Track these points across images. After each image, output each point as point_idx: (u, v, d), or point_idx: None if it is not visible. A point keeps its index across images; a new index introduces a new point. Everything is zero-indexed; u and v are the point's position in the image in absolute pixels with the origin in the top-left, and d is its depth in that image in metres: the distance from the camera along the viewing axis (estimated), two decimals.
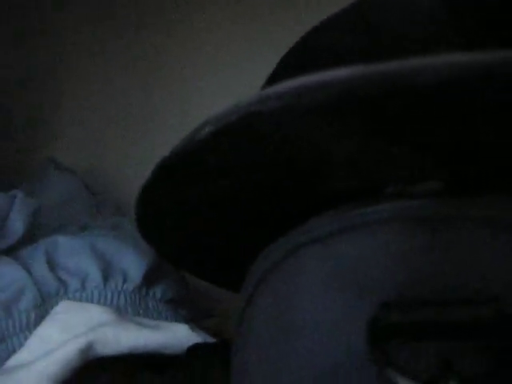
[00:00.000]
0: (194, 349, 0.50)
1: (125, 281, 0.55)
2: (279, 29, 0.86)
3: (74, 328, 0.51)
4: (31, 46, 0.99)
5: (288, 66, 0.54)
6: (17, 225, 0.55)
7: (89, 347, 0.48)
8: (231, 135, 0.34)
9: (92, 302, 0.54)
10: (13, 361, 0.49)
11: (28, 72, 0.98)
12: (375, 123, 0.31)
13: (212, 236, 0.51)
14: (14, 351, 0.50)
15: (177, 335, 0.51)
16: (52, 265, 0.54)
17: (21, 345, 0.50)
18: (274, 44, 0.83)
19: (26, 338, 0.50)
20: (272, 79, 0.58)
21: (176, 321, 0.57)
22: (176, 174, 0.44)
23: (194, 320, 0.60)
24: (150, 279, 0.57)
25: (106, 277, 0.55)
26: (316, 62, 0.50)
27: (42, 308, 0.52)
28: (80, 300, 0.54)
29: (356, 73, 0.28)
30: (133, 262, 0.56)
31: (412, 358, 0.30)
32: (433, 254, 0.31)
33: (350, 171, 0.38)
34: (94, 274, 0.54)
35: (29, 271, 0.52)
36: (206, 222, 0.49)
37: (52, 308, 0.53)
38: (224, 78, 0.89)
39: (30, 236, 0.57)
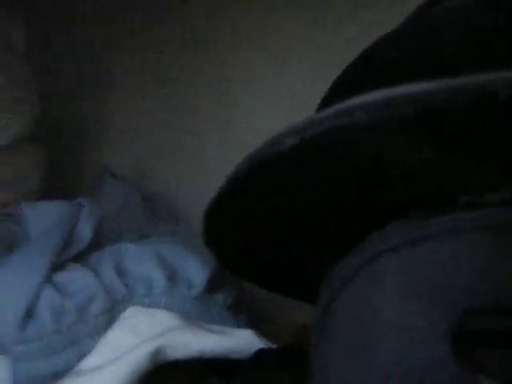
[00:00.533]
0: (260, 354, 0.51)
1: (189, 287, 0.57)
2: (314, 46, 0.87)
3: (142, 332, 0.52)
4: (83, 59, 1.01)
5: (350, 82, 0.55)
6: (85, 232, 0.57)
7: (159, 351, 0.49)
8: (313, 148, 0.35)
9: (158, 307, 0.55)
10: (84, 363, 0.51)
11: (79, 84, 1.01)
12: (455, 134, 0.31)
13: (279, 247, 0.52)
14: (85, 354, 0.51)
15: (242, 340, 0.52)
16: (119, 271, 0.55)
17: (92, 348, 0.52)
18: (309, 61, 0.85)
19: (96, 342, 0.52)
20: (332, 95, 0.58)
21: (237, 326, 0.58)
22: (249, 185, 0.45)
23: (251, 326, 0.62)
24: (212, 286, 0.58)
25: (172, 283, 0.56)
26: (381, 77, 0.50)
27: (111, 313, 0.53)
28: (146, 305, 0.55)
29: (441, 86, 0.29)
30: (196, 269, 0.57)
31: (499, 364, 0.30)
32: None
33: (421, 181, 0.39)
34: (160, 280, 0.56)
35: (98, 277, 0.53)
36: (274, 233, 0.50)
37: (120, 313, 0.54)
38: (267, 94, 0.90)
39: (96, 243, 0.58)
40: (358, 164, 0.37)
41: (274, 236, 0.50)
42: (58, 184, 0.90)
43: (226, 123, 0.92)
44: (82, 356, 0.51)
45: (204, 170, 0.92)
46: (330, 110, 0.35)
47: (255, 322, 0.65)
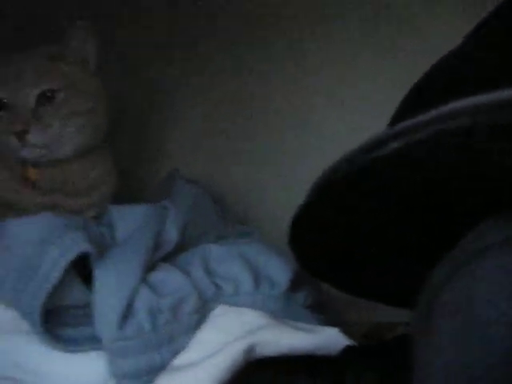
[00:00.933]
0: (347, 351, 0.53)
1: (272, 287, 0.59)
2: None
3: (232, 330, 0.54)
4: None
5: (426, 94, 0.56)
6: (172, 234, 0.60)
7: (251, 349, 0.51)
8: (416, 152, 0.37)
9: (244, 306, 0.57)
10: (179, 360, 0.53)
11: (149, 97, 1.04)
12: None
13: (363, 252, 0.54)
14: (179, 351, 0.53)
15: (328, 338, 0.54)
16: (207, 271, 0.57)
17: (185, 345, 0.54)
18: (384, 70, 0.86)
19: (189, 340, 0.54)
20: (403, 110, 0.60)
21: (318, 325, 0.60)
22: (342, 190, 0.47)
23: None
24: (293, 285, 0.60)
25: (257, 283, 0.58)
26: (460, 88, 0.52)
27: (202, 311, 0.56)
28: (233, 304, 0.57)
29: None
30: (279, 269, 0.59)
31: None
32: None
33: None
34: (246, 280, 0.58)
35: (189, 277, 0.56)
36: (359, 239, 0.52)
37: (209, 312, 0.56)
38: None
39: (181, 244, 0.60)
40: (459, 168, 0.38)
41: (359, 241, 0.52)
42: (125, 188, 0.93)
43: (301, 127, 0.93)
44: (176, 353, 0.53)
45: (272, 173, 0.94)
46: (431, 115, 0.37)
47: (329, 322, 0.67)
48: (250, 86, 0.96)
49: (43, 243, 0.57)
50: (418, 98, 0.51)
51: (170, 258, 0.59)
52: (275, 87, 0.94)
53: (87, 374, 0.55)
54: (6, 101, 0.75)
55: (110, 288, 0.52)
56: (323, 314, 0.66)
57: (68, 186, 0.82)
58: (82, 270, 0.57)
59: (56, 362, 0.55)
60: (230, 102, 0.98)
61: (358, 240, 0.53)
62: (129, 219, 0.61)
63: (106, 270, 0.53)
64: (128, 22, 0.98)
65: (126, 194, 0.90)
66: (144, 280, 0.54)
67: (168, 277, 0.55)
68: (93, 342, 0.56)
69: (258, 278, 0.58)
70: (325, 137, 0.88)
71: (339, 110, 0.89)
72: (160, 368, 0.52)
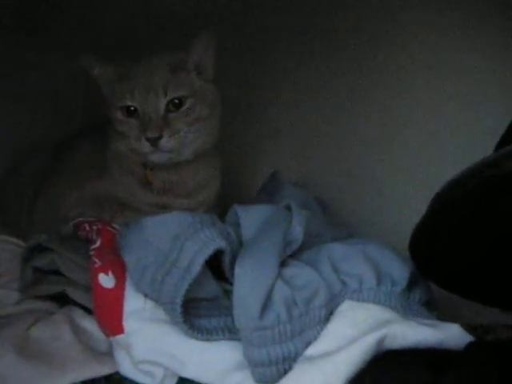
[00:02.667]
0: (472, 347, 0.56)
1: (393, 284, 0.62)
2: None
3: (360, 324, 0.58)
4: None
5: None
6: (298, 233, 0.63)
7: (381, 342, 0.55)
8: None
9: (368, 301, 0.60)
10: (310, 351, 0.57)
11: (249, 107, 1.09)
12: None
13: (482, 261, 0.57)
14: (310, 342, 0.57)
15: (452, 333, 0.56)
16: (334, 268, 0.61)
17: (314, 337, 0.57)
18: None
19: (319, 332, 0.57)
20: None
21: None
22: (468, 200, 0.50)
23: None
24: (410, 284, 0.63)
25: (379, 280, 0.61)
26: None
27: (330, 305, 0.59)
28: (358, 299, 0.61)
29: None
30: (398, 268, 0.63)
31: None
32: None
33: None
34: (369, 277, 0.61)
35: (318, 272, 0.59)
36: (487, 247, 0.55)
37: (336, 306, 0.60)
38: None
39: (304, 243, 0.64)
40: None
41: (478, 251, 0.55)
42: (229, 190, 0.97)
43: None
44: (307, 344, 0.57)
45: (364, 179, 0.97)
46: None
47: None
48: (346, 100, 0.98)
49: (178, 239, 0.61)
50: None
51: (294, 255, 0.63)
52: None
53: (221, 361, 0.59)
54: (136, 109, 0.80)
55: (250, 282, 0.56)
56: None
57: (179, 187, 0.87)
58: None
59: (193, 350, 0.59)
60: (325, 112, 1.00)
61: (476, 248, 0.56)
62: (254, 218, 0.65)
63: (246, 266, 0.57)
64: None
65: (229, 194, 0.94)
66: (279, 275, 0.57)
67: (300, 272, 0.59)
68: (224, 332, 0.60)
69: (379, 275, 0.61)
70: (422, 143, 0.90)
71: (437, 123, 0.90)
72: (293, 357, 0.56)
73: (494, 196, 0.52)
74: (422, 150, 0.88)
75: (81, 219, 0.83)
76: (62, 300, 0.74)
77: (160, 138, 0.79)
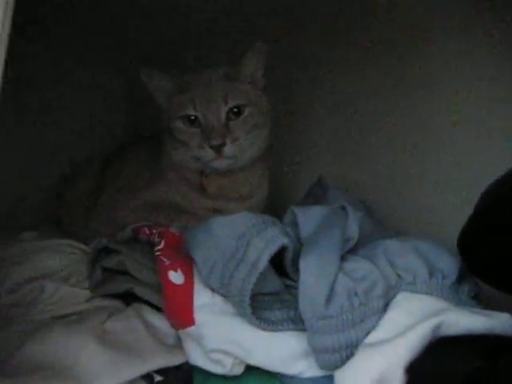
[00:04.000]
0: None
1: (444, 278, 0.67)
2: None
3: (415, 313, 0.62)
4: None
5: None
6: (354, 231, 0.69)
7: (437, 328, 0.59)
8: None
9: (421, 293, 0.65)
10: (371, 338, 0.62)
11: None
12: None
13: None
14: (369, 331, 0.62)
15: (503, 321, 0.61)
16: (389, 262, 0.66)
17: (373, 326, 0.62)
18: None
19: (377, 321, 0.62)
20: None
21: None
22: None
23: None
24: (460, 277, 0.68)
25: (431, 274, 0.66)
26: None
27: (386, 297, 0.64)
28: (412, 291, 0.65)
29: None
30: (448, 263, 0.67)
31: None
32: None
33: None
34: (422, 271, 0.66)
35: (375, 266, 0.64)
36: None
37: (392, 297, 0.65)
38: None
39: (359, 241, 0.69)
40: None
41: None
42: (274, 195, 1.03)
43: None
44: (367, 332, 0.61)
45: (405, 182, 1.01)
46: None
47: None
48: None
49: (245, 237, 0.66)
50: None
51: (351, 252, 0.68)
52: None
53: (286, 350, 0.64)
54: (197, 118, 0.86)
55: (315, 275, 0.61)
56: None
57: (232, 192, 0.93)
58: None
59: (260, 340, 0.64)
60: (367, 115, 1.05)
61: None
62: (312, 218, 0.70)
63: (310, 261, 0.62)
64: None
65: (274, 200, 1.00)
66: (341, 268, 0.63)
67: (359, 266, 0.64)
68: (288, 323, 0.66)
69: (431, 269, 0.66)
70: (465, 145, 0.94)
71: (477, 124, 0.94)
72: (355, 345, 0.60)
73: None
74: (466, 150, 0.91)
75: (139, 224, 0.89)
76: (127, 299, 0.80)
77: (223, 145, 0.85)
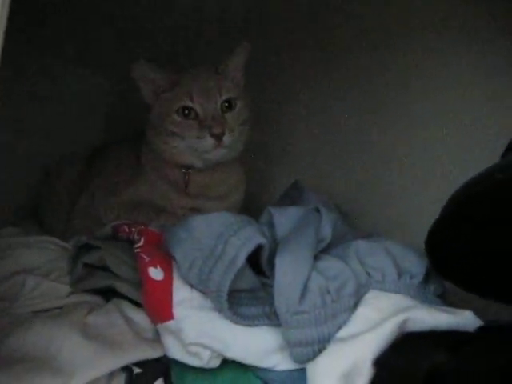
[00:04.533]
0: (484, 329, 0.64)
1: (411, 277, 0.70)
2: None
3: (383, 310, 0.66)
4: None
5: None
6: (327, 232, 0.72)
7: (403, 324, 0.63)
8: None
9: (390, 292, 0.69)
10: (342, 333, 0.65)
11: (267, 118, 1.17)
12: None
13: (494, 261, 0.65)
14: (341, 326, 0.65)
15: (465, 318, 0.65)
16: (360, 262, 0.70)
17: (345, 322, 0.66)
18: None
19: (348, 317, 0.66)
20: None
21: None
22: (481, 200, 0.58)
23: None
24: (426, 277, 0.72)
25: (399, 273, 0.70)
26: None
27: (357, 295, 0.67)
28: (380, 290, 0.69)
29: None
30: (416, 263, 0.71)
31: None
32: None
33: None
34: (391, 270, 0.69)
35: (347, 265, 0.68)
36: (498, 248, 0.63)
37: (362, 295, 0.68)
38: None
39: (332, 241, 0.73)
40: None
41: (489, 251, 0.63)
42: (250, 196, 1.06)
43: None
44: (338, 328, 0.65)
45: (378, 187, 1.05)
46: None
47: None
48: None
49: (223, 235, 0.69)
50: None
51: (324, 252, 0.71)
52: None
53: (261, 344, 0.67)
54: (193, 110, 0.90)
55: (290, 272, 0.64)
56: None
57: (211, 191, 0.96)
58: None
59: (237, 334, 0.67)
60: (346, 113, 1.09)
61: (486, 248, 0.64)
62: (287, 219, 0.74)
63: (285, 259, 0.65)
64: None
65: (253, 200, 1.03)
66: (314, 267, 0.66)
67: (331, 265, 0.67)
68: (263, 318, 0.68)
69: (400, 269, 0.69)
70: (434, 150, 0.98)
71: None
72: (327, 339, 0.64)
73: (506, 199, 0.60)
74: (435, 156, 0.95)
75: (119, 222, 0.92)
76: (107, 294, 0.82)
77: (223, 134, 0.88)
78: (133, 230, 0.86)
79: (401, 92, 1.01)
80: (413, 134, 1.00)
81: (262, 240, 0.66)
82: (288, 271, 0.63)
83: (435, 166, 0.94)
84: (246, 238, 0.66)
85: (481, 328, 0.63)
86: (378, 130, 1.04)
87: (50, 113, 1.33)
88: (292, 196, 0.98)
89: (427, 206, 0.87)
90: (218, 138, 0.89)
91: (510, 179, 0.53)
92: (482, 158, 0.62)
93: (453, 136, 0.94)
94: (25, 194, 1.19)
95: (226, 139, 0.90)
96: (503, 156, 0.64)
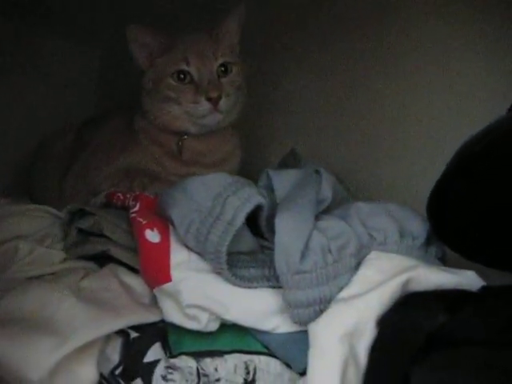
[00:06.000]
0: (485, 289, 0.63)
1: (414, 239, 0.69)
2: None
3: (386, 270, 0.65)
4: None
5: None
6: (327, 192, 0.71)
7: (407, 283, 0.62)
8: None
9: (392, 253, 0.68)
10: (343, 293, 0.64)
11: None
12: None
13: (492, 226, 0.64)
14: (341, 287, 0.64)
15: (468, 278, 0.64)
16: (362, 223, 0.68)
17: (346, 283, 0.65)
18: None
19: (350, 277, 0.65)
20: None
21: None
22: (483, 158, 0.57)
23: None
24: (428, 240, 0.71)
25: (401, 235, 0.68)
26: None
27: (359, 255, 0.66)
28: (383, 251, 0.68)
29: None
30: (418, 225, 0.70)
31: None
32: None
33: None
34: (393, 231, 0.68)
35: (348, 225, 0.67)
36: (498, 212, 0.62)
37: (364, 256, 0.67)
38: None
39: (332, 203, 0.71)
40: None
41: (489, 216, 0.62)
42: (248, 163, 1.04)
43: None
44: (340, 288, 0.64)
45: (370, 156, 1.04)
46: None
47: None
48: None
49: (221, 196, 0.68)
50: None
51: (325, 213, 0.70)
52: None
53: (261, 306, 0.66)
54: (188, 74, 0.88)
55: (290, 231, 0.63)
56: None
57: (206, 158, 0.95)
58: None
59: (236, 296, 0.66)
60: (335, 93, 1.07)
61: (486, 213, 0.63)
62: (287, 180, 0.72)
63: (285, 218, 0.64)
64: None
65: (248, 168, 1.01)
66: (315, 226, 0.65)
67: (333, 224, 0.66)
68: (263, 280, 0.67)
69: (402, 230, 0.68)
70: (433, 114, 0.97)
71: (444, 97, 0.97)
72: (328, 300, 0.63)
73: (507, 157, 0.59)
74: (433, 120, 0.94)
75: (113, 190, 0.90)
76: (102, 260, 0.80)
77: (220, 98, 0.87)
78: (127, 196, 0.84)
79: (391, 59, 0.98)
80: (407, 96, 0.98)
81: (261, 200, 0.65)
82: (288, 230, 0.62)
83: (439, 132, 0.92)
84: (245, 199, 0.65)
85: (483, 288, 0.62)
86: (374, 97, 1.03)
87: (36, 87, 1.30)
88: (288, 164, 0.97)
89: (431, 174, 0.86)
90: (215, 102, 0.88)
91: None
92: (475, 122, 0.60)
93: (446, 100, 0.92)
94: (13, 172, 1.17)
95: (223, 103, 0.88)
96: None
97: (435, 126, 0.93)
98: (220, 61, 0.91)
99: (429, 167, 0.85)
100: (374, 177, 1.01)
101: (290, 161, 0.98)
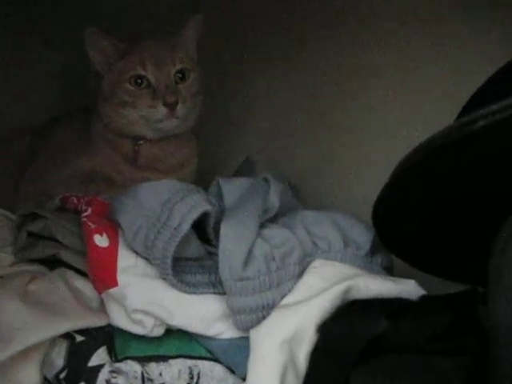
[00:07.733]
0: (425, 299, 0.65)
1: (357, 248, 0.71)
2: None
3: (329, 278, 0.66)
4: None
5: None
6: (274, 201, 0.72)
7: (348, 291, 0.63)
8: (502, 129, 0.48)
9: (336, 261, 0.69)
10: (286, 300, 0.65)
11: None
12: None
13: (448, 231, 0.66)
14: (285, 294, 0.65)
15: (409, 287, 0.66)
16: (306, 231, 0.70)
17: (289, 290, 0.66)
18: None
19: (293, 285, 0.66)
20: (476, 100, 0.71)
21: None
22: (427, 168, 0.58)
23: None
24: (373, 249, 0.72)
25: (345, 243, 0.70)
26: None
27: (303, 263, 0.68)
28: (327, 259, 0.69)
29: None
30: (362, 234, 0.71)
31: None
32: None
33: None
34: (337, 240, 0.70)
35: (293, 234, 0.68)
36: (446, 217, 0.64)
37: (308, 264, 0.69)
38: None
39: (280, 211, 0.73)
40: None
41: (435, 220, 0.64)
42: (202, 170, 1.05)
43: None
44: (283, 295, 0.65)
45: (322, 164, 1.05)
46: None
47: None
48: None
49: (169, 202, 0.69)
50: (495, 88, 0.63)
51: (271, 221, 0.71)
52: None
53: (205, 312, 0.67)
54: (145, 79, 0.89)
55: (234, 239, 0.64)
56: None
57: (162, 164, 0.95)
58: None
59: (181, 302, 0.67)
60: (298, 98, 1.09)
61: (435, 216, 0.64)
62: (235, 189, 0.73)
63: (230, 226, 0.65)
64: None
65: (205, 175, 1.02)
66: (259, 234, 0.66)
67: (277, 233, 0.67)
68: (208, 287, 0.68)
69: (346, 239, 0.70)
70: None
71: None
72: (271, 306, 0.64)
73: (450, 165, 0.60)
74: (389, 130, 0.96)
75: (67, 194, 0.90)
76: (51, 264, 0.81)
77: (177, 103, 0.87)
78: (81, 200, 0.84)
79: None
80: (366, 111, 0.99)
81: (207, 207, 0.66)
82: (232, 238, 0.63)
83: (391, 138, 0.94)
84: (192, 206, 0.66)
85: (423, 297, 0.63)
86: (331, 106, 1.04)
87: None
88: (243, 172, 0.98)
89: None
90: (171, 107, 0.88)
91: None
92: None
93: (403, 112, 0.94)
94: None
95: (180, 109, 0.89)
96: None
97: (392, 137, 0.94)
98: (178, 67, 0.92)
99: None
100: (324, 187, 1.01)
101: (244, 169, 0.99)
